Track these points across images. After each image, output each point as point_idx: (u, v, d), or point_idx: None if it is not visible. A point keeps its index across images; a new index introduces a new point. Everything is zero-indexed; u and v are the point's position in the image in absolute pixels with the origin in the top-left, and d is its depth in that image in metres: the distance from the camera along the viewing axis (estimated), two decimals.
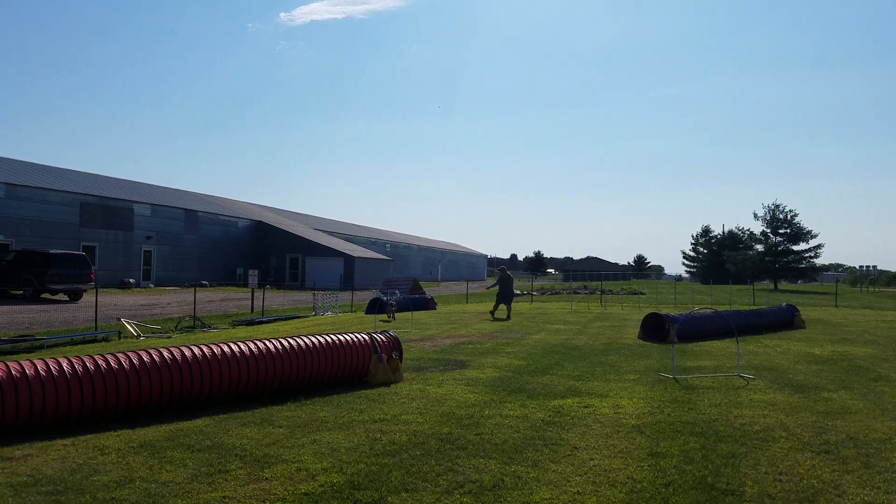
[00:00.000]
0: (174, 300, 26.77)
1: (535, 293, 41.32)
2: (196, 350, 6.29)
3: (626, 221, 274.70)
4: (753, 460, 4.75)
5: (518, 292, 40.02)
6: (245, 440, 5.11)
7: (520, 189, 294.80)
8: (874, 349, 11.88)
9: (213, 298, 28.83)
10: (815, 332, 15.09)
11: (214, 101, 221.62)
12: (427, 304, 24.33)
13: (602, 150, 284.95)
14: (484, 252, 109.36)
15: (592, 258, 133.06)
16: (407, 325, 15.28)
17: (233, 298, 29.35)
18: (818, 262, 72.84)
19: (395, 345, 8.07)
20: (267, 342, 6.86)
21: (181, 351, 6.21)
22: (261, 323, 18.13)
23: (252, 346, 6.68)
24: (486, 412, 6.19)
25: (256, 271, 25.16)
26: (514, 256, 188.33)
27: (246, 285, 30.83)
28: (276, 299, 29.83)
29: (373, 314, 19.42)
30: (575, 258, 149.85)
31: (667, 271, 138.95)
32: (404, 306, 21.26)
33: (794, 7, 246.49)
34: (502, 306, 19.32)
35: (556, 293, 43.60)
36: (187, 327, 16.21)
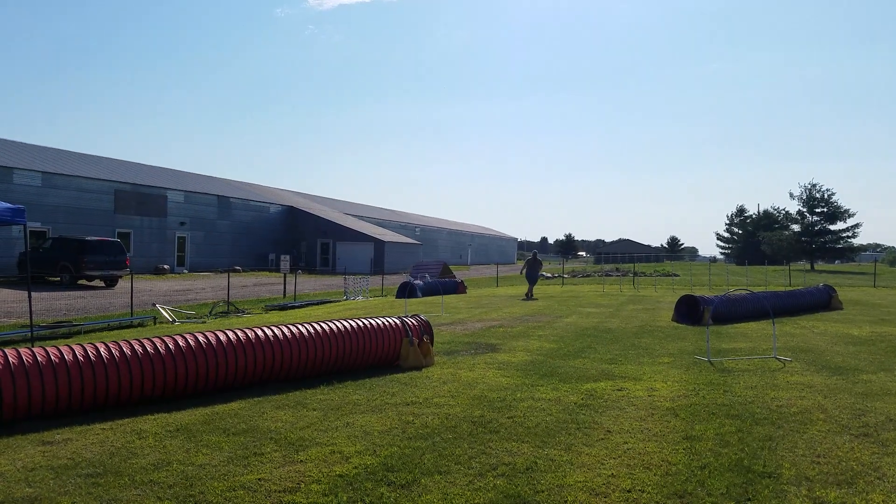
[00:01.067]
0: (208, 286, 27.25)
1: (566, 276, 41.03)
2: (231, 335, 6.39)
3: (658, 203, 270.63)
4: (791, 443, 4.65)
5: (548, 275, 39.81)
6: (280, 423, 5.19)
7: (551, 171, 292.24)
8: None
9: (247, 283, 29.28)
10: (853, 313, 14.71)
11: (245, 88, 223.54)
12: (457, 288, 24.35)
13: (634, 131, 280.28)
14: (514, 235, 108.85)
15: (624, 240, 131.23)
16: (437, 309, 15.32)
17: (265, 283, 29.78)
18: (856, 241, 70.70)
19: (426, 329, 8.09)
20: (300, 326, 6.94)
21: (216, 336, 6.31)
22: (293, 308, 18.37)
23: (285, 330, 6.76)
24: (519, 396, 6.17)
25: (288, 256, 25.42)
26: (544, 239, 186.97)
27: (278, 270, 31.20)
28: (308, 284, 30.16)
29: (403, 298, 19.52)
30: (607, 240, 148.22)
31: (701, 253, 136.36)
32: (434, 290, 21.29)
33: None
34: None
35: (588, 276, 43.22)
36: (221, 312, 16.50)
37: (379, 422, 5.23)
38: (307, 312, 16.75)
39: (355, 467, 4.12)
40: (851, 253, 73.50)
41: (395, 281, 30.95)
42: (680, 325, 12.30)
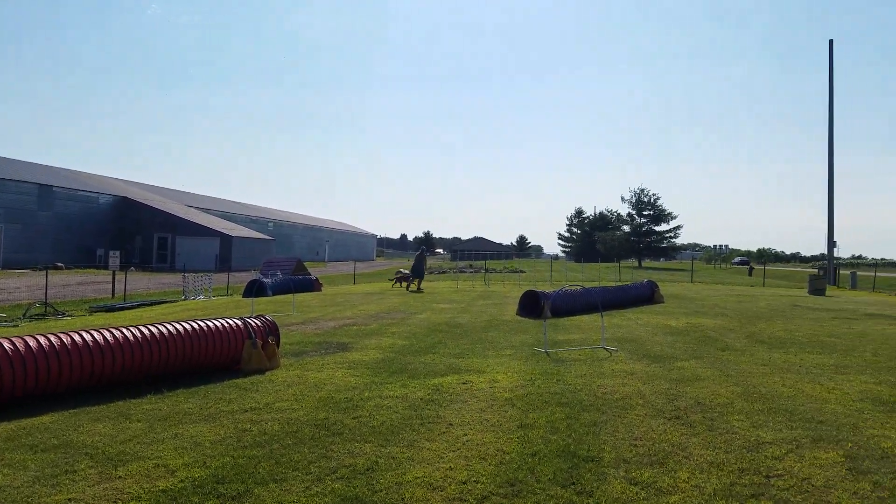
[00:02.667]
0: (23, 284, 24.30)
1: None
2: (43, 340, 5.72)
3: (510, 202, 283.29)
4: (612, 427, 5.04)
5: (405, 272, 40.15)
6: (97, 437, 4.72)
7: (410, 168, 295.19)
8: (723, 321, 13.04)
9: (69, 282, 26.49)
10: (673, 306, 16.34)
11: (80, 68, 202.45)
12: (312, 286, 23.76)
13: (489, 131, 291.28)
14: (374, 232, 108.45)
15: (479, 238, 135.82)
16: (289, 309, 14.84)
17: (91, 282, 27.12)
18: (678, 241, 79.09)
19: (271, 329, 7.79)
20: (125, 329, 6.37)
21: (25, 341, 5.62)
22: (122, 309, 16.89)
23: (107, 333, 6.18)
24: (366, 395, 6.13)
25: (119, 252, 23.36)
26: (403, 236, 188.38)
27: (107, 267, 28.60)
28: (141, 283, 27.91)
29: (250, 297, 18.68)
30: (463, 238, 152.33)
31: (545, 251, 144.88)
32: (286, 288, 20.62)
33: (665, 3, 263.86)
34: (417, 280, 23.22)
35: (444, 272, 44.18)
36: (38, 315, 14.79)
37: (212, 431, 4.93)
38: (138, 314, 15.47)
39: (181, 481, 3.85)
40: (674, 251, 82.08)
41: (244, 279, 29.58)
42: (523, 318, 12.94)
